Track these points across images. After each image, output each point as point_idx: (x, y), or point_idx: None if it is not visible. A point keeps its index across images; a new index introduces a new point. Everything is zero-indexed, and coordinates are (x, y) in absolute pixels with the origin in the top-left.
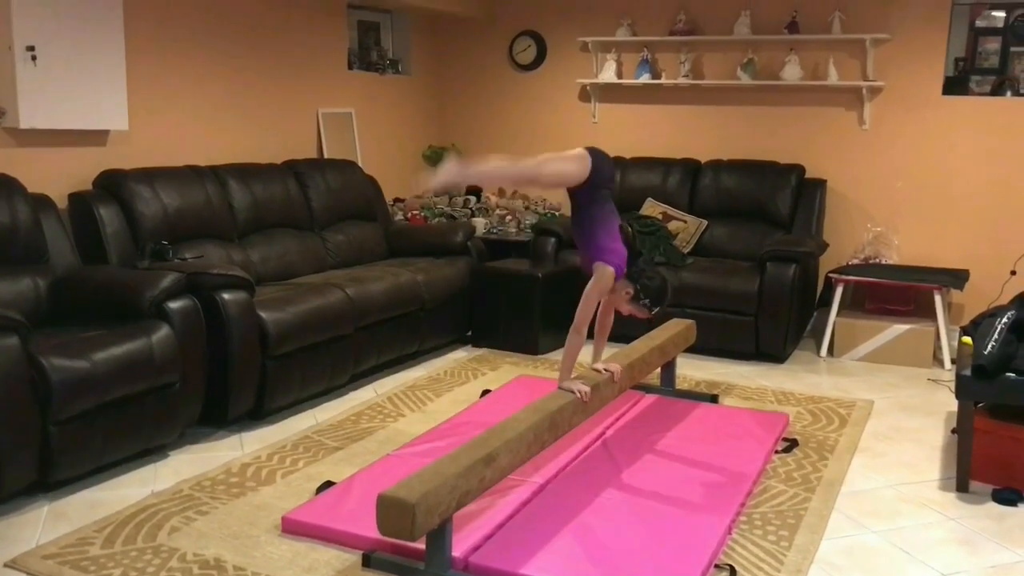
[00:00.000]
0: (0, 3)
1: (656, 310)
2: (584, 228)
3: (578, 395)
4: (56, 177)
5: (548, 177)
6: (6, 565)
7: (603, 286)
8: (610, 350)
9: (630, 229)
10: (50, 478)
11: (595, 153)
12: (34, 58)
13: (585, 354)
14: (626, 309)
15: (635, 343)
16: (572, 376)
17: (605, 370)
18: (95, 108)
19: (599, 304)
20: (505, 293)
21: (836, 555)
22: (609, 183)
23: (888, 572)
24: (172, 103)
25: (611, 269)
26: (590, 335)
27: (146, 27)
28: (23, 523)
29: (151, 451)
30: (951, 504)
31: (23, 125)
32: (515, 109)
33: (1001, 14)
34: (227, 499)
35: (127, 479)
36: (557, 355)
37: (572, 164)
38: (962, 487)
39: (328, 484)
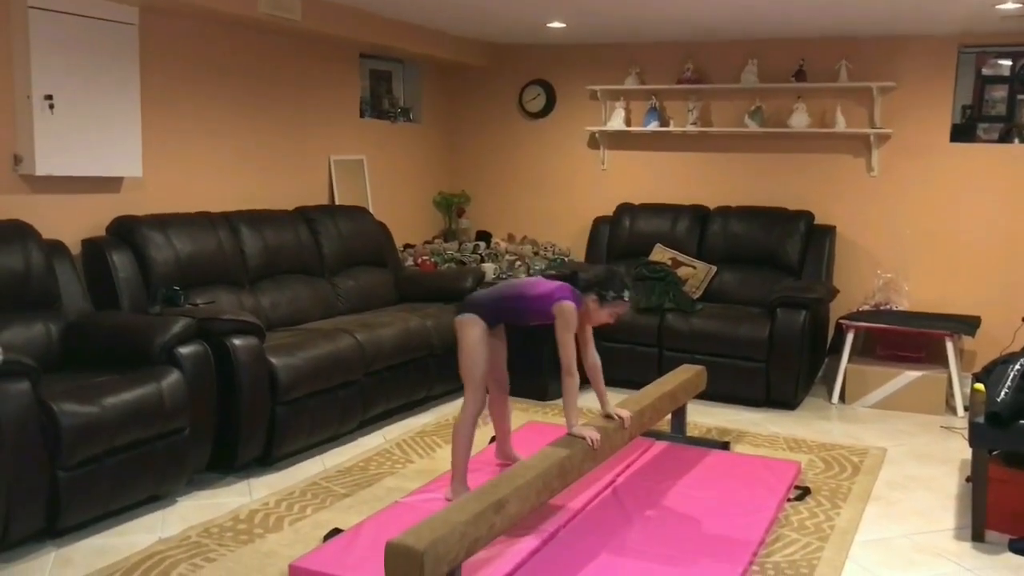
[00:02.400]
0: (19, 53)
1: (627, 296)
2: (512, 313)
3: (589, 441)
4: (70, 223)
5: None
6: None
7: (569, 321)
8: (619, 396)
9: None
10: (58, 524)
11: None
12: (51, 107)
13: (592, 401)
14: (605, 317)
15: (645, 389)
16: (581, 422)
17: (618, 416)
18: (110, 155)
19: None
20: (514, 339)
21: None
22: (488, 305)
23: None
24: (185, 151)
25: (566, 303)
26: (584, 377)
27: (161, 76)
28: (30, 570)
29: (159, 497)
30: (967, 554)
31: (39, 172)
32: (524, 156)
33: (1007, 62)
34: (235, 546)
35: (134, 525)
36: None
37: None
38: (978, 537)
39: (336, 531)
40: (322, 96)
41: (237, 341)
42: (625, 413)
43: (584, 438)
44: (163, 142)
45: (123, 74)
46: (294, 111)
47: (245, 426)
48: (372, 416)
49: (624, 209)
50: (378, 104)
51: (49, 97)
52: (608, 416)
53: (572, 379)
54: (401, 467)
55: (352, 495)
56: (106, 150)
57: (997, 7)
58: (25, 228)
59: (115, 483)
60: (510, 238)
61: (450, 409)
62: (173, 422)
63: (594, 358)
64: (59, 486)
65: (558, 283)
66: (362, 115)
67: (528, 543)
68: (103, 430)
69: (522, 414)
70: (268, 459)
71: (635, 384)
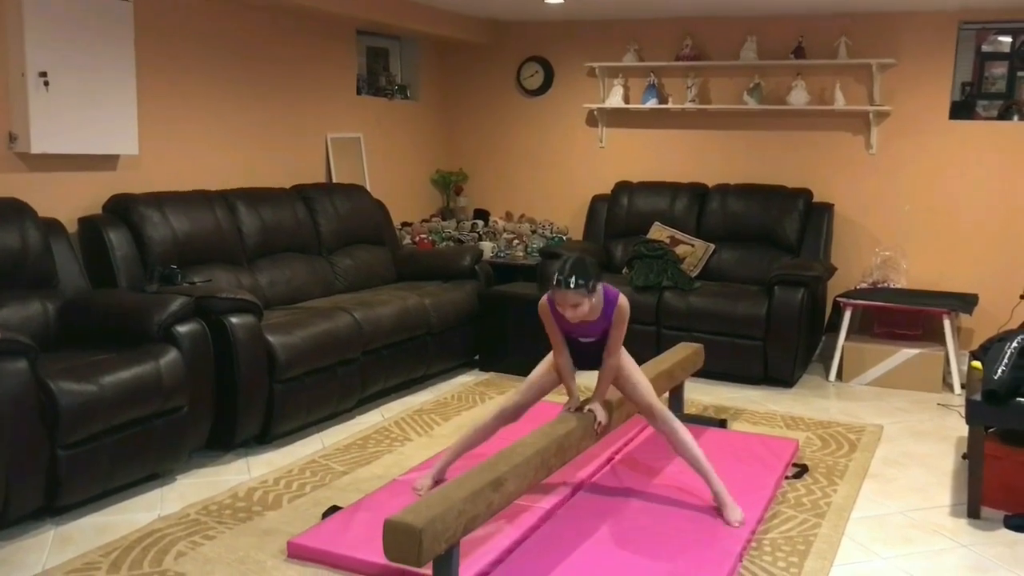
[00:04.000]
0: (13, 30)
1: (563, 283)
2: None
3: (596, 422)
4: (66, 201)
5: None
6: None
7: (541, 313)
8: None
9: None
10: (57, 502)
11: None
12: (46, 84)
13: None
14: (570, 310)
15: (643, 367)
16: (599, 401)
17: (590, 412)
18: (106, 133)
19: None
20: (512, 317)
21: None
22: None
23: None
24: (182, 128)
25: (542, 300)
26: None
27: (157, 53)
28: (29, 547)
29: (158, 475)
30: (962, 530)
31: (34, 150)
32: (522, 134)
33: (1007, 39)
34: (233, 524)
35: (134, 503)
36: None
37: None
38: (973, 513)
39: (335, 509)
40: (319, 73)
41: (235, 319)
42: (602, 415)
43: (595, 414)
44: (159, 120)
45: (118, 51)
46: (291, 88)
47: (243, 404)
48: (370, 394)
49: (622, 187)
50: (375, 81)
51: (44, 74)
52: (585, 404)
53: (561, 358)
54: (400, 445)
55: (351, 473)
56: (102, 128)
57: None
58: (21, 206)
59: (114, 461)
60: (508, 216)
61: (449, 387)
62: (171, 400)
63: (611, 358)
64: (58, 464)
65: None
66: (359, 92)
67: (526, 520)
68: (101, 409)
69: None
70: (266, 437)
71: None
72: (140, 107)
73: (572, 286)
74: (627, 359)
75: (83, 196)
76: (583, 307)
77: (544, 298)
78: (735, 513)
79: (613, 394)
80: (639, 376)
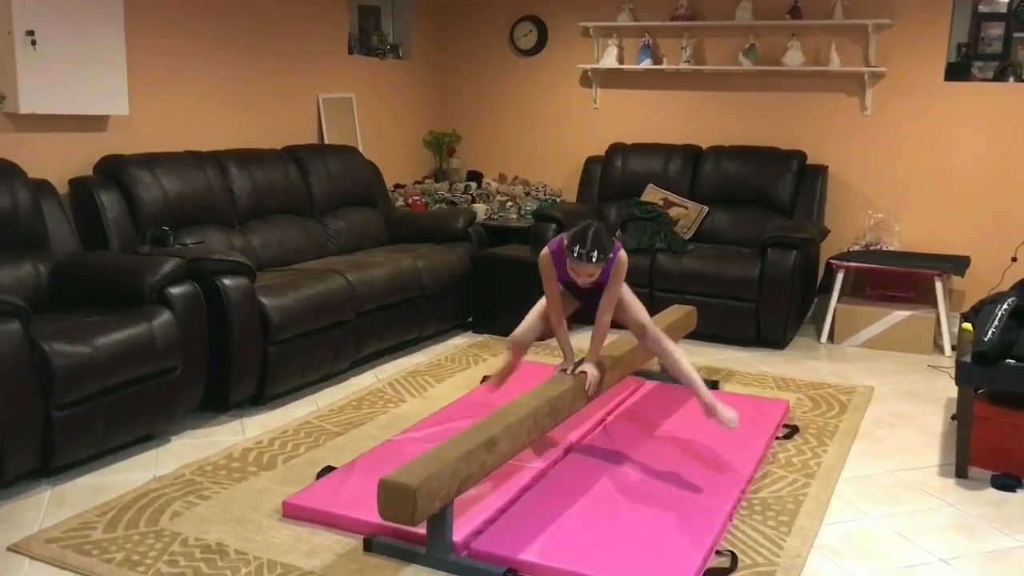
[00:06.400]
0: None
1: (596, 255)
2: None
3: (588, 381)
4: (56, 162)
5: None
6: (9, 549)
7: (541, 266)
8: (610, 336)
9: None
10: (52, 463)
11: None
12: (34, 43)
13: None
14: (584, 277)
15: None
16: (592, 361)
17: (582, 372)
18: (95, 93)
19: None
20: (506, 279)
21: (835, 540)
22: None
23: (887, 557)
24: (172, 88)
25: (544, 250)
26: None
27: (146, 12)
28: (26, 507)
29: (153, 436)
30: (950, 490)
31: (23, 110)
32: (516, 94)
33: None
34: (228, 484)
35: (129, 464)
36: (556, 342)
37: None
38: (961, 473)
39: (329, 469)
40: (310, 33)
41: (228, 281)
42: (594, 375)
43: (587, 375)
44: (149, 80)
45: (107, 10)
46: (282, 48)
47: (237, 366)
48: (364, 356)
49: (616, 149)
50: (367, 41)
51: (31, 33)
52: (575, 366)
53: (553, 314)
54: (394, 406)
55: (345, 434)
56: (91, 88)
57: None
58: (11, 167)
59: (109, 422)
60: (501, 178)
61: (442, 349)
62: (165, 362)
63: (604, 316)
64: (53, 426)
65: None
66: (350, 52)
67: (520, 480)
68: (95, 370)
69: None
70: (261, 399)
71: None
72: (130, 67)
73: (594, 260)
74: (624, 289)
75: (73, 157)
76: (596, 275)
77: (546, 250)
78: (728, 413)
79: (606, 355)
80: (631, 298)
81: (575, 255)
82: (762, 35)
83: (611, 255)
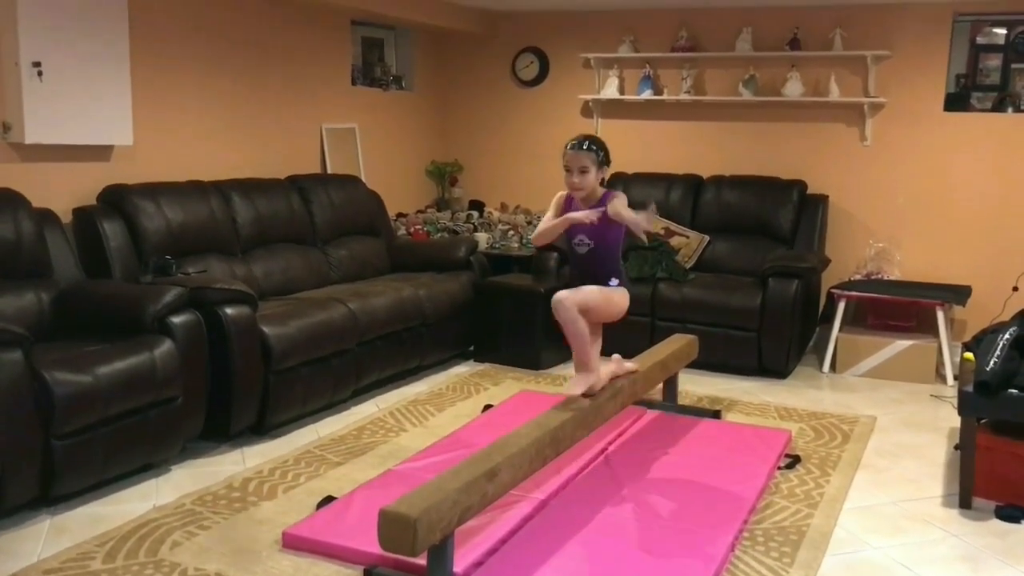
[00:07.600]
0: (7, 19)
1: (587, 144)
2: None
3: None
4: (60, 192)
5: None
6: None
7: (555, 201)
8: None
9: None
10: (52, 492)
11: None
12: (40, 74)
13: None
14: (578, 174)
15: (637, 358)
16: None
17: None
18: (100, 123)
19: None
20: (507, 308)
21: (839, 571)
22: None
23: None
24: (176, 119)
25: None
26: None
27: (151, 43)
28: (24, 537)
29: (153, 465)
30: (954, 521)
31: (28, 140)
32: (517, 125)
33: (1002, 31)
34: (229, 514)
35: (129, 494)
36: (559, 370)
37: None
38: (965, 504)
39: (329, 499)
40: (313, 64)
41: (229, 310)
42: (630, 364)
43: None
44: (153, 110)
45: (112, 41)
46: (285, 78)
47: (238, 395)
48: (365, 385)
49: (617, 178)
50: (370, 72)
51: (37, 64)
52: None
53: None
54: (394, 435)
55: (346, 463)
56: (96, 118)
57: None
58: (15, 197)
59: (109, 452)
60: (503, 207)
61: (444, 378)
62: (166, 391)
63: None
64: (53, 455)
65: None
66: (354, 83)
67: (521, 511)
68: (96, 399)
69: (514, 383)
70: (262, 428)
71: (627, 353)
72: (134, 97)
73: (584, 148)
74: (604, 291)
75: (77, 187)
76: (589, 175)
77: (563, 192)
78: (575, 387)
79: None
80: (596, 295)
81: (569, 147)
82: (762, 66)
83: (603, 155)
